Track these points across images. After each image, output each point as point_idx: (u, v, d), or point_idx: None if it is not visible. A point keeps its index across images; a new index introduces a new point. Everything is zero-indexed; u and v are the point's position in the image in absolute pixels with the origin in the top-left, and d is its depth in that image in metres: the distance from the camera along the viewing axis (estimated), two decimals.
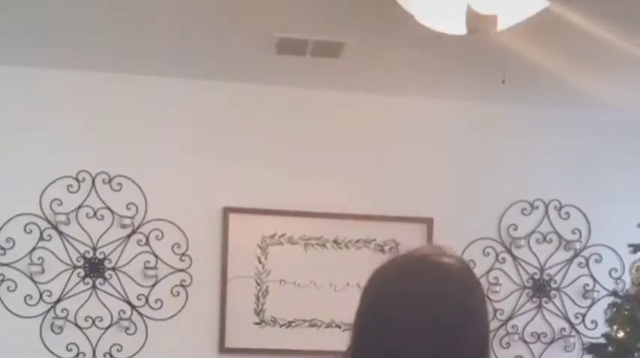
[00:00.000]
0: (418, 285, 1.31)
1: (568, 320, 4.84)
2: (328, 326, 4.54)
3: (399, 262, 1.37)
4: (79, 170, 4.44)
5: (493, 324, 4.74)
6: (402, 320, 1.29)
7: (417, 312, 1.29)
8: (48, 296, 4.39)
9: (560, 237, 4.85)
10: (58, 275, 4.40)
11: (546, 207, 4.85)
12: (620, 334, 4.16)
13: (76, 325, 4.40)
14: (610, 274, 4.85)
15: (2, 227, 4.36)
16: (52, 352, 4.38)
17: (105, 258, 4.44)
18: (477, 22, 2.60)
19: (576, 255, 4.86)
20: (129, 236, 4.47)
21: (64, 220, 4.39)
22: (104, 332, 4.43)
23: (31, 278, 4.37)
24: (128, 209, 4.46)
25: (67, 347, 4.39)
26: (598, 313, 4.72)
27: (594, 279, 4.85)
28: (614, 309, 4.25)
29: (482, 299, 1.36)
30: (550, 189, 4.85)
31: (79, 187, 4.44)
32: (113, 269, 4.45)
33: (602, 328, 4.44)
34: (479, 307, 1.34)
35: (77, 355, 4.41)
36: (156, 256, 4.49)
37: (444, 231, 4.68)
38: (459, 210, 4.74)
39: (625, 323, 4.16)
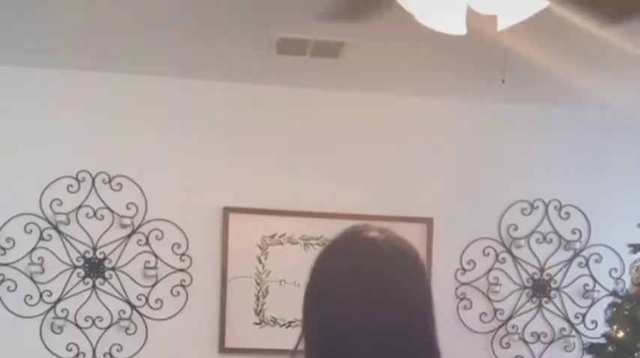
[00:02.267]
0: (349, 268, 1.36)
1: (568, 320, 4.84)
2: None
3: (332, 249, 1.42)
4: (79, 170, 4.44)
5: (493, 324, 4.75)
6: (338, 304, 1.33)
7: (348, 295, 1.32)
8: (48, 296, 4.39)
9: (560, 237, 4.85)
10: (58, 275, 4.40)
11: (546, 207, 4.85)
12: (620, 334, 4.16)
13: (76, 325, 4.40)
14: (610, 274, 4.85)
15: (2, 227, 4.36)
16: (52, 352, 4.38)
17: (105, 258, 4.45)
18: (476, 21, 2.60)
19: (576, 255, 4.86)
20: (129, 236, 4.47)
21: (64, 220, 4.39)
22: (104, 332, 4.43)
23: (31, 278, 4.37)
24: (128, 209, 4.47)
25: (67, 347, 4.39)
26: (598, 313, 4.72)
27: (594, 279, 4.85)
28: (614, 309, 4.25)
29: (415, 274, 1.38)
30: (550, 189, 4.85)
31: (79, 187, 4.45)
32: (113, 269, 4.45)
33: (602, 328, 4.44)
34: (409, 282, 1.35)
35: (77, 355, 4.41)
36: (156, 256, 4.49)
37: (444, 231, 4.69)
38: (459, 210, 4.74)
39: (625, 323, 4.15)
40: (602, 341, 4.26)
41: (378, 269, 1.34)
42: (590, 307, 4.84)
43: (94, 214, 4.45)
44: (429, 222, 4.69)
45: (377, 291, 1.32)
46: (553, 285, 4.84)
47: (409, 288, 1.34)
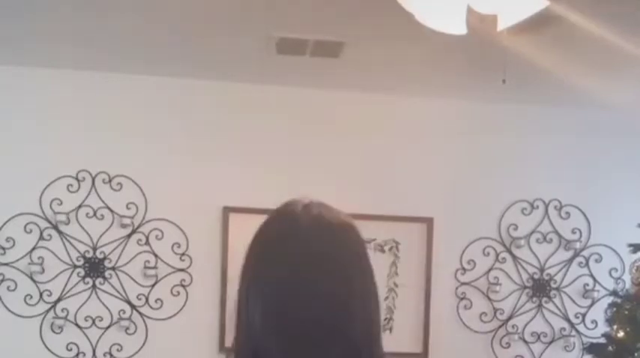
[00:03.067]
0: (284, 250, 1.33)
1: (568, 320, 4.84)
2: None
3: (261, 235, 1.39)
4: (79, 170, 4.44)
5: (493, 324, 4.74)
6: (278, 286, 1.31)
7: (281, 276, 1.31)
8: (48, 296, 4.39)
9: (560, 236, 4.85)
10: (58, 274, 4.40)
11: (546, 206, 4.85)
12: (620, 334, 4.16)
13: (76, 325, 4.40)
14: (610, 274, 4.85)
15: (2, 227, 4.36)
16: (52, 352, 4.38)
17: (105, 258, 4.45)
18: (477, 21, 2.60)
19: (576, 254, 4.86)
20: (129, 236, 4.47)
21: (64, 220, 4.39)
22: (104, 332, 4.43)
23: (31, 278, 4.38)
24: (128, 209, 4.47)
25: (67, 347, 4.39)
26: (598, 313, 4.72)
27: (594, 279, 4.85)
28: (614, 309, 4.26)
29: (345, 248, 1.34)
30: (550, 189, 4.85)
31: (79, 187, 4.45)
32: (113, 268, 4.45)
33: (602, 328, 4.44)
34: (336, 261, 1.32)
35: (77, 355, 4.41)
36: (156, 256, 4.49)
37: (444, 231, 4.69)
38: (459, 210, 4.75)
39: (625, 323, 4.16)
40: (602, 341, 4.26)
41: (303, 254, 1.30)
42: (590, 307, 4.84)
43: (94, 214, 4.45)
44: (429, 222, 4.69)
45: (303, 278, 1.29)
46: (553, 285, 4.84)
47: (336, 271, 1.30)
